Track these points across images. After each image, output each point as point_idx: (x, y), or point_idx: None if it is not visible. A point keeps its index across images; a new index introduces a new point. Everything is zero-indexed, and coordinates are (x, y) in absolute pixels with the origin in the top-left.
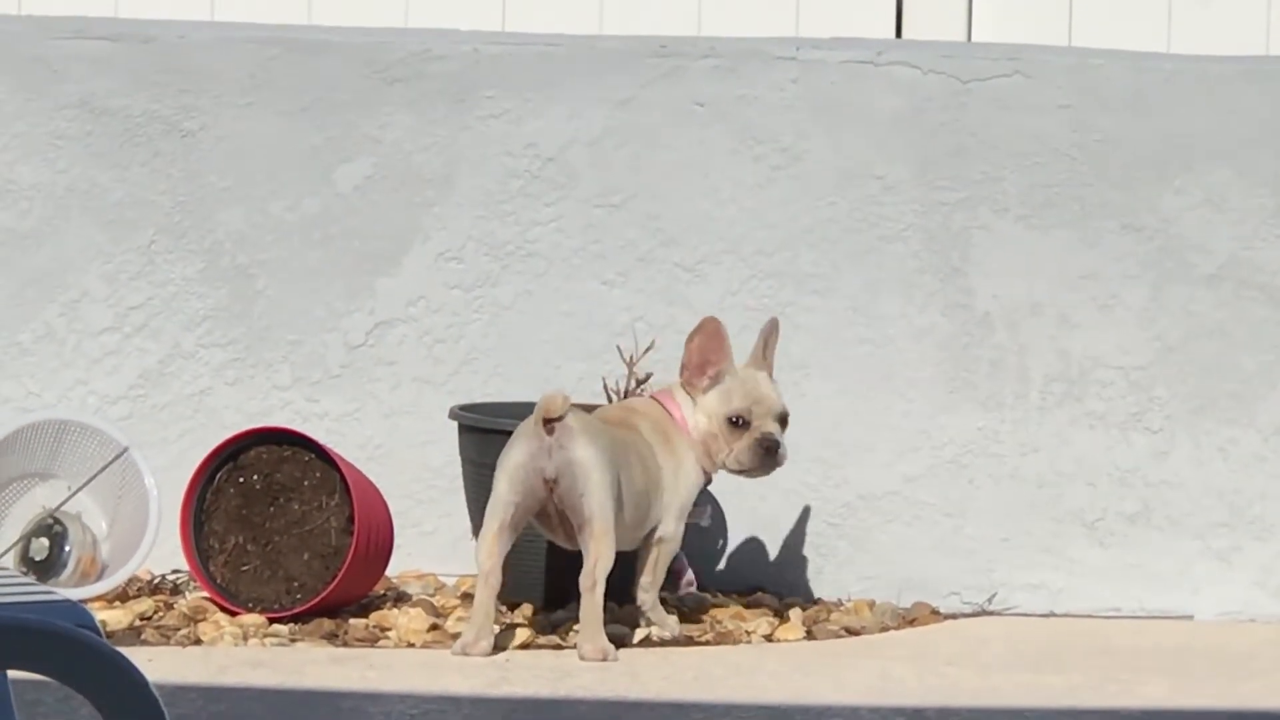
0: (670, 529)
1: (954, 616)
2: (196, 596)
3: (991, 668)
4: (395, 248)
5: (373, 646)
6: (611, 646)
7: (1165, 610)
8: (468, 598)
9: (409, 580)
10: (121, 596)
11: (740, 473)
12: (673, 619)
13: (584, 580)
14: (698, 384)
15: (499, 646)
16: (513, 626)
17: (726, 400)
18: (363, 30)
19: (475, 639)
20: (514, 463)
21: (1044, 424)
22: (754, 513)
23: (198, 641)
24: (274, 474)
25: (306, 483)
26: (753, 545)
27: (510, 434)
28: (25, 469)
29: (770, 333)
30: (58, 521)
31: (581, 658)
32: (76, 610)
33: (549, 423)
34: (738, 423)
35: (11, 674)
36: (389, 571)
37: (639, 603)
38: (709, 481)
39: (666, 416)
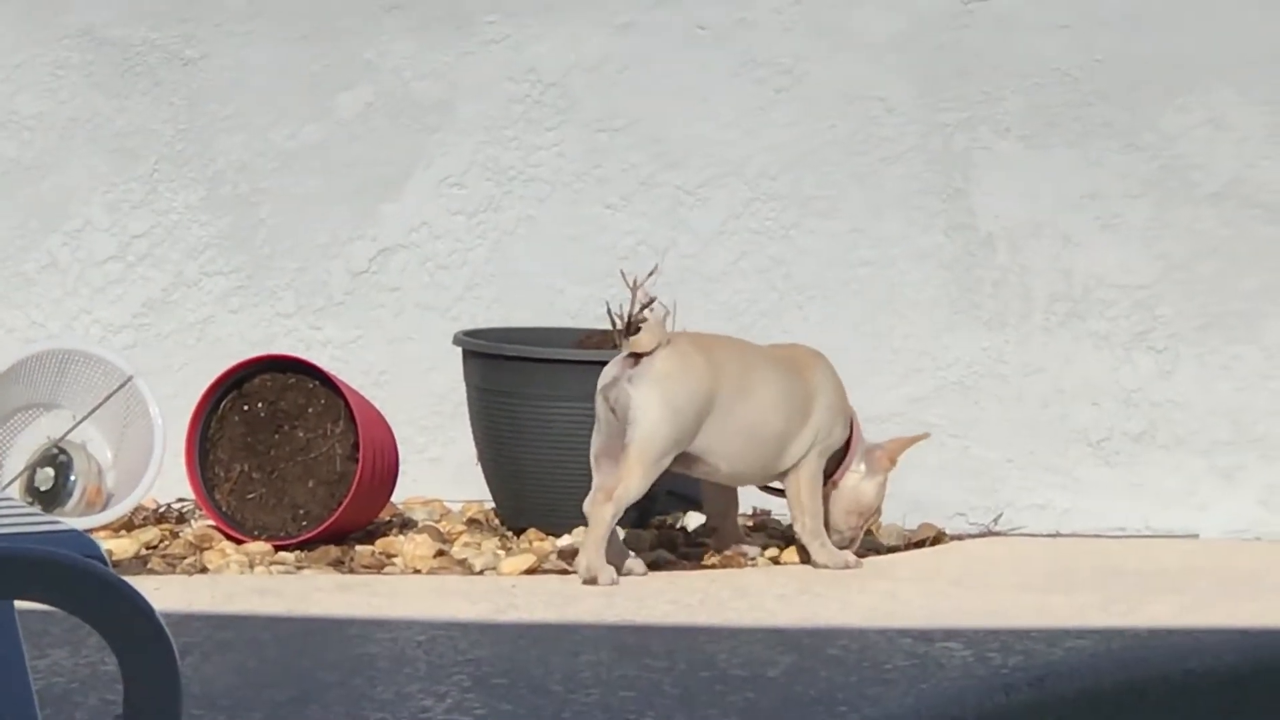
0: (813, 468)
1: (960, 537)
2: (202, 525)
3: (998, 588)
4: (397, 174)
5: (379, 573)
6: (607, 569)
7: (1171, 529)
8: (474, 523)
9: (414, 506)
10: (127, 525)
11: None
12: (842, 555)
13: (598, 494)
14: (885, 465)
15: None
16: (519, 552)
17: (880, 498)
18: None
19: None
20: (598, 387)
21: (1048, 344)
22: None
23: (204, 570)
24: (278, 401)
25: (311, 410)
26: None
27: (514, 360)
28: (30, 399)
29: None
30: (63, 451)
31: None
32: (82, 540)
33: (636, 355)
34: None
35: (18, 604)
36: (394, 498)
37: (798, 537)
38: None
39: (845, 394)
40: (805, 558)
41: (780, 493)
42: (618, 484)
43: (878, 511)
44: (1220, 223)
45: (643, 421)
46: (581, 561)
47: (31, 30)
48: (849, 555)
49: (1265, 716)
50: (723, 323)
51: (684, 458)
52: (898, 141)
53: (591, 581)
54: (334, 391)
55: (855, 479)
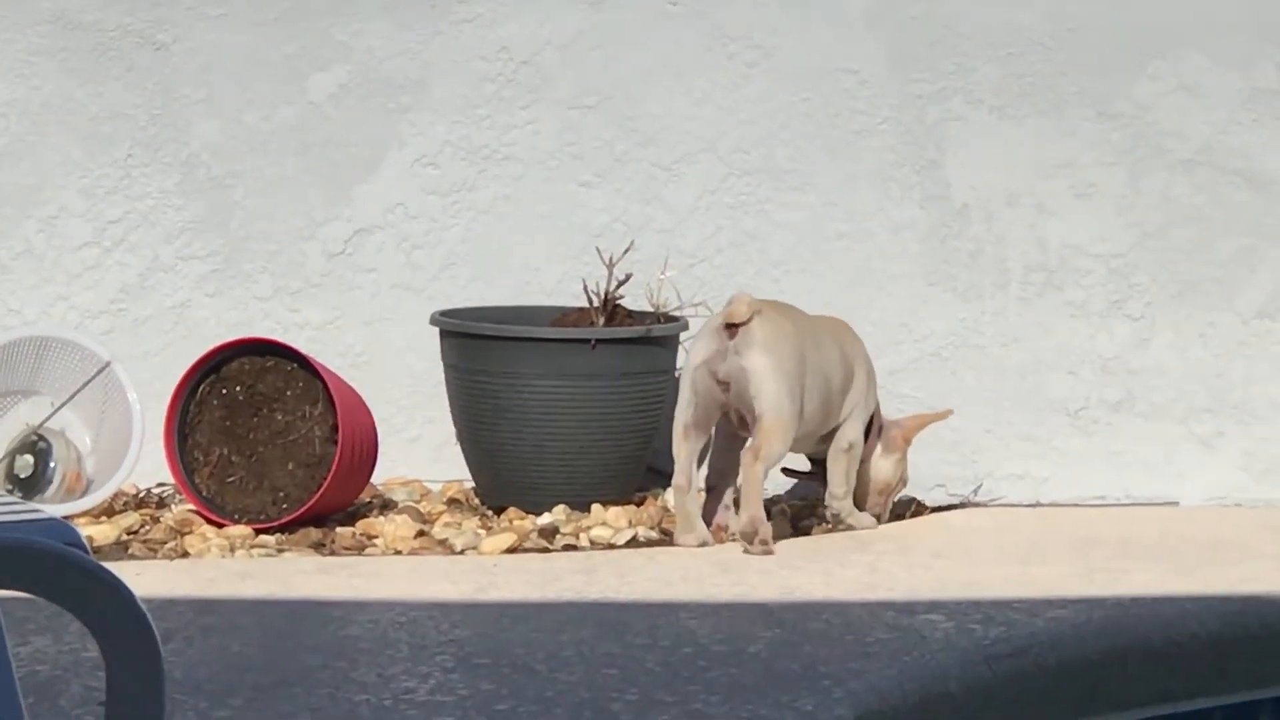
0: (856, 434)
1: (940, 509)
2: (182, 509)
3: (979, 559)
4: (372, 155)
5: (360, 555)
6: (764, 518)
7: (1151, 497)
8: (454, 503)
9: (394, 487)
10: (107, 511)
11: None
12: (868, 516)
13: (746, 454)
14: (900, 445)
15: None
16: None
17: (897, 475)
18: None
19: (682, 532)
20: (692, 364)
21: (1024, 314)
22: None
23: (185, 554)
24: (256, 385)
25: (289, 393)
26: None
27: (491, 339)
28: (8, 386)
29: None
30: (42, 438)
31: (737, 532)
32: (62, 528)
33: (732, 327)
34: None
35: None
36: (374, 479)
37: (832, 511)
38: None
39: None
40: (792, 532)
41: (800, 474)
42: (760, 446)
43: (901, 484)
44: (1194, 189)
45: (766, 388)
46: (744, 516)
47: (2, 16)
48: (869, 519)
49: (1248, 681)
50: (701, 297)
51: (739, 414)
52: (871, 114)
53: (753, 536)
54: (312, 374)
55: (875, 457)
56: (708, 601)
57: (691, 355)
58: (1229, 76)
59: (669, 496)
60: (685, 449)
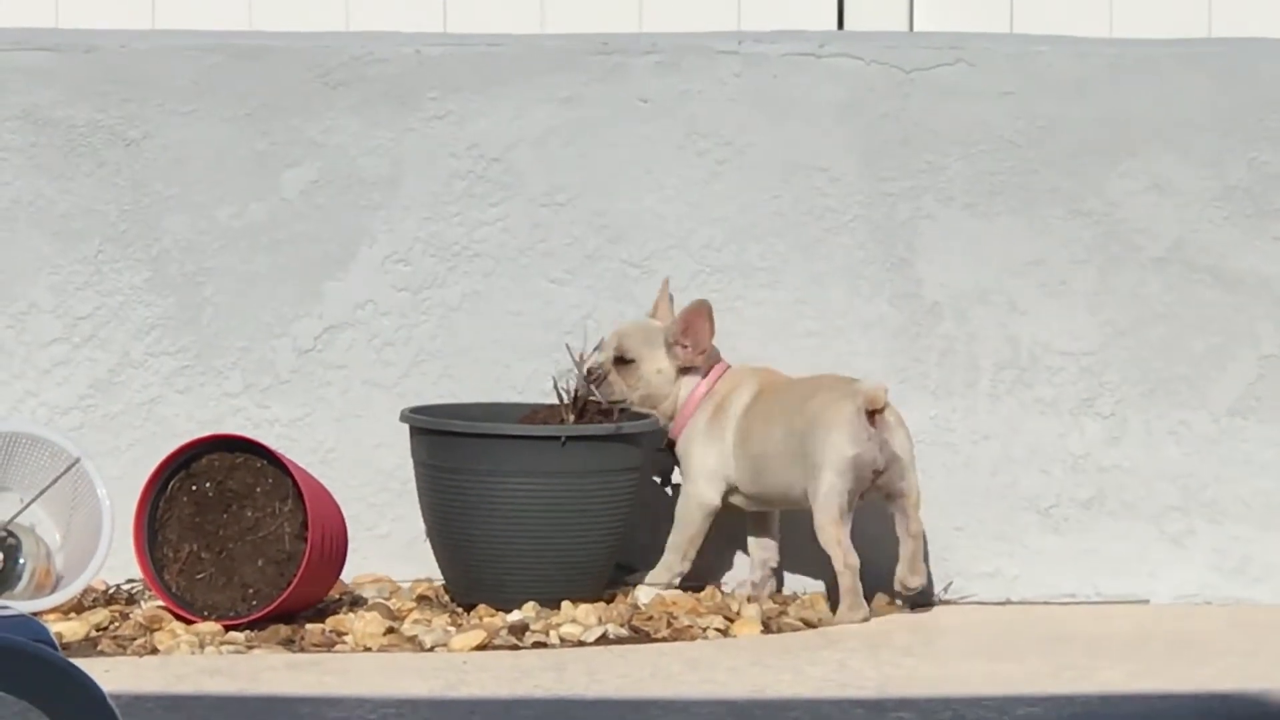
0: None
1: (910, 606)
2: (152, 606)
3: (949, 657)
4: (342, 251)
5: (329, 651)
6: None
7: (1121, 595)
8: (424, 600)
9: (364, 584)
10: (77, 608)
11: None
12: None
13: (910, 528)
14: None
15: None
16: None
17: None
18: (304, 34)
19: (852, 608)
20: (843, 456)
21: (995, 411)
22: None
23: (154, 651)
24: (226, 481)
25: (259, 489)
26: (708, 539)
27: (461, 436)
28: None
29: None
30: (11, 534)
31: (913, 589)
32: (31, 625)
33: (873, 414)
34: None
35: None
36: (344, 576)
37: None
38: None
39: None
40: (761, 629)
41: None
42: (913, 523)
43: None
44: (1165, 287)
45: (911, 463)
46: (918, 581)
47: None
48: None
49: None
50: None
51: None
52: (842, 211)
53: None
54: (282, 470)
55: None
56: (678, 698)
57: (836, 447)
58: (1200, 174)
59: (639, 593)
60: (843, 531)
